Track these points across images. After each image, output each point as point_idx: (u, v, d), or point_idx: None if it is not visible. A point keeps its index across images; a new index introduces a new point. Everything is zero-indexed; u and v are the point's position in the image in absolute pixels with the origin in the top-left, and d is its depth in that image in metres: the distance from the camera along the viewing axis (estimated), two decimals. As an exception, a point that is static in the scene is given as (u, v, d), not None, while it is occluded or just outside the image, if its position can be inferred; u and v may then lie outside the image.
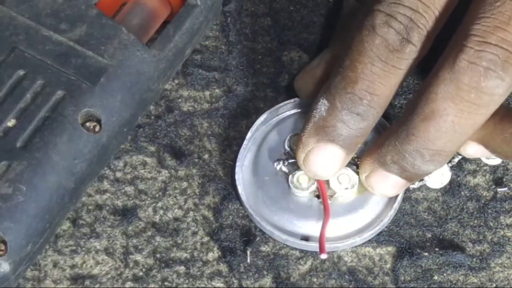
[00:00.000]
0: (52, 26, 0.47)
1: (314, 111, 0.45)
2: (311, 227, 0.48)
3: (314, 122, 0.45)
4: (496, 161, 0.50)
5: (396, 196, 0.48)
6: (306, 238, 0.48)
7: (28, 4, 0.47)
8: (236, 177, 0.49)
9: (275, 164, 0.49)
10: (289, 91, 0.52)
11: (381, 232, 0.48)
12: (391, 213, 0.48)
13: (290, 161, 0.49)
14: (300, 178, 0.48)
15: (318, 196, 0.48)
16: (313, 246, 0.47)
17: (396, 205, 0.48)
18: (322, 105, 0.45)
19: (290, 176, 0.48)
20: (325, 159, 0.46)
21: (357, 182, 0.48)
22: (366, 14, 0.44)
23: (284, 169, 0.49)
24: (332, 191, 0.48)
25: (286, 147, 0.49)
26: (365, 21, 0.44)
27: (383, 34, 0.43)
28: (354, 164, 0.48)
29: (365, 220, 0.48)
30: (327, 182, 0.48)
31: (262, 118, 0.50)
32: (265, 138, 0.50)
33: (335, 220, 0.48)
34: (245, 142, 0.50)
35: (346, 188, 0.48)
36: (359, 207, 0.48)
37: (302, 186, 0.48)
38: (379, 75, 0.44)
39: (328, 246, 0.47)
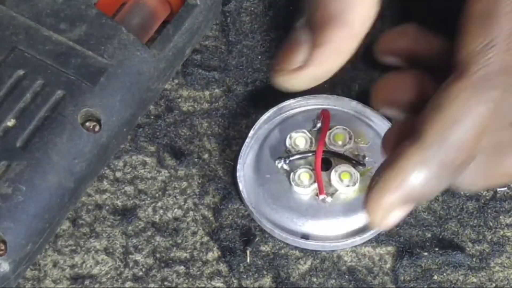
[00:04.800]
0: (52, 26, 0.47)
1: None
2: (312, 226, 0.48)
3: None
4: None
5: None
6: (306, 237, 0.48)
7: (28, 4, 0.47)
8: (238, 174, 0.49)
9: (277, 162, 0.49)
10: (290, 91, 0.52)
11: (380, 231, 0.48)
12: (392, 212, 0.48)
13: (291, 158, 0.49)
14: (301, 176, 0.48)
15: (317, 195, 0.48)
16: (313, 244, 0.47)
17: (397, 204, 0.48)
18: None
19: (292, 174, 0.48)
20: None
21: (359, 179, 0.48)
22: None
23: (286, 167, 0.49)
24: (334, 188, 0.48)
25: (288, 145, 0.50)
26: None
27: None
28: (357, 162, 0.48)
29: (366, 220, 0.48)
30: (329, 179, 0.48)
31: (265, 116, 0.50)
32: (267, 136, 0.50)
33: (336, 220, 0.48)
34: (247, 140, 0.50)
35: (348, 186, 0.48)
36: (360, 207, 0.48)
37: (304, 184, 0.48)
38: None
39: (328, 245, 0.47)
